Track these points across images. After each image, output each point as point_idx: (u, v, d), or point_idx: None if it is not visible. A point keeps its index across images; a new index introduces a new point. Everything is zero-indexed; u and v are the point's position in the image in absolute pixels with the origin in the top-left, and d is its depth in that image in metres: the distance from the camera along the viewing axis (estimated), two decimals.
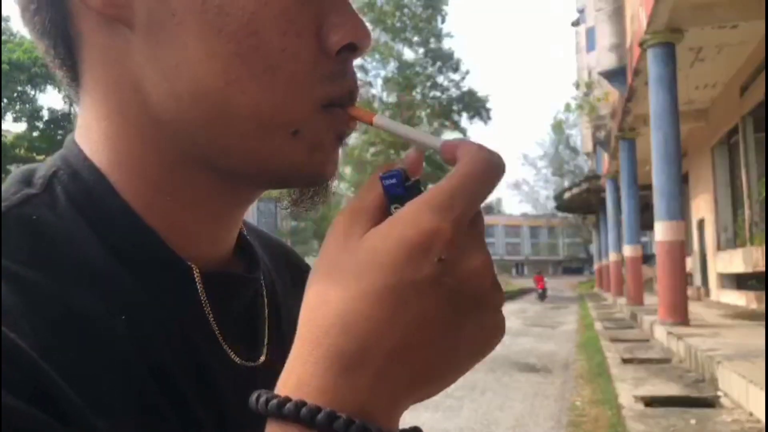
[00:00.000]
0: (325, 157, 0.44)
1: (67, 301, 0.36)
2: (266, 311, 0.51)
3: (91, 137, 0.44)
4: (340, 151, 0.46)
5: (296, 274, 0.61)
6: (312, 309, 0.33)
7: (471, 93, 30.91)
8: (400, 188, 0.37)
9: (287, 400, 0.31)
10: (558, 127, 51.94)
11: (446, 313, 0.33)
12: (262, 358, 0.48)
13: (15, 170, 0.44)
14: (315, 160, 0.43)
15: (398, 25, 27.08)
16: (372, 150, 25.25)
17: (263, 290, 0.52)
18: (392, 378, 0.32)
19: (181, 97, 0.40)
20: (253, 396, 0.33)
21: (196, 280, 0.43)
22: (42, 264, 0.36)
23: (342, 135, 0.44)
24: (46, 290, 0.35)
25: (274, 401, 0.31)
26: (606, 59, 14.36)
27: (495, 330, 0.36)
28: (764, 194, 9.20)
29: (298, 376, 0.32)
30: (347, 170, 25.17)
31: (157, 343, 0.39)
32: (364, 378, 0.31)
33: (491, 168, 0.35)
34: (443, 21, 28.04)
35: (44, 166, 0.44)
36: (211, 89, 0.40)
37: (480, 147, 0.36)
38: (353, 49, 0.43)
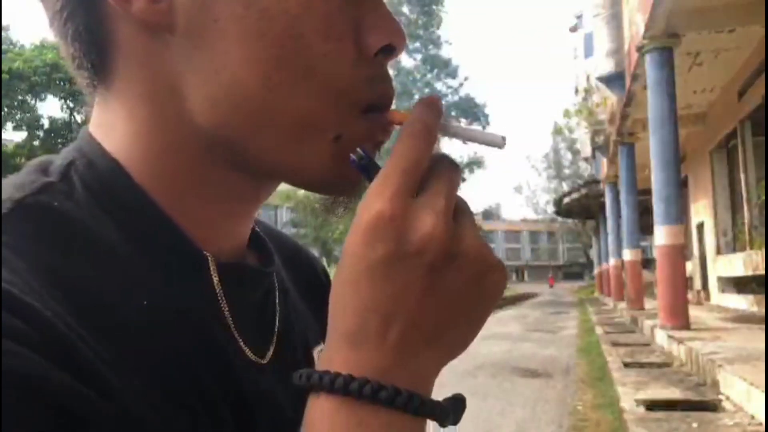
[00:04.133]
0: None
1: (85, 284, 0.36)
2: (277, 308, 0.51)
3: (113, 135, 0.43)
4: None
5: (310, 273, 0.61)
6: (331, 300, 0.37)
7: (468, 99, 31.01)
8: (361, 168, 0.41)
9: (320, 373, 0.35)
10: (558, 131, 51.99)
11: (422, 275, 0.35)
12: (270, 355, 0.48)
13: (29, 162, 0.43)
14: (351, 168, 0.42)
15: None
16: None
17: (275, 287, 0.51)
18: (394, 343, 0.35)
19: (219, 102, 0.40)
20: (296, 373, 0.36)
21: (212, 269, 0.43)
22: (59, 248, 0.37)
23: (380, 144, 0.44)
24: (64, 273, 0.36)
25: (316, 375, 0.35)
26: (604, 64, 14.41)
27: (481, 280, 0.36)
28: (764, 197, 9.20)
29: (326, 355, 0.36)
30: None
31: (174, 329, 0.39)
32: (370, 350, 0.34)
33: (415, 134, 0.37)
34: (438, 27, 28.07)
35: (59, 157, 0.44)
36: (252, 94, 0.39)
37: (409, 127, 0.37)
38: (390, 50, 0.42)
